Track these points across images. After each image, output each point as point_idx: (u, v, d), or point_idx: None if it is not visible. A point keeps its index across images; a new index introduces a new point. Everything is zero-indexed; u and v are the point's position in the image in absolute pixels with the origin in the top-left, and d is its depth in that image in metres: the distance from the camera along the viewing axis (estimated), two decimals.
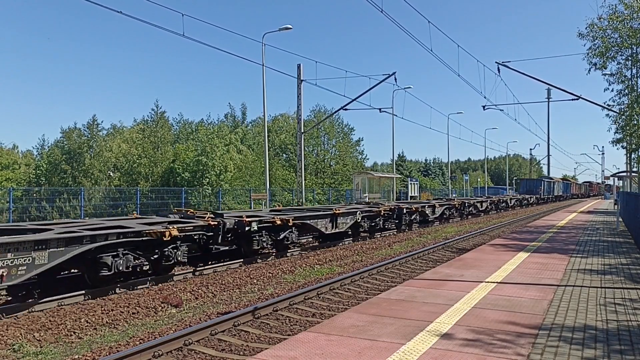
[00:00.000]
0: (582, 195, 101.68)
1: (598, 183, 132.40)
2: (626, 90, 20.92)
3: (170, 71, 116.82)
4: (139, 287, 10.16)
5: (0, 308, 8.06)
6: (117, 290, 9.74)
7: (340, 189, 47.89)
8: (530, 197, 57.13)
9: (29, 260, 7.85)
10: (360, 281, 10.93)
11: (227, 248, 12.86)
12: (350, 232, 18.83)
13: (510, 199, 47.68)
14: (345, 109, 32.25)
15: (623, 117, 21.51)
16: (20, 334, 7.07)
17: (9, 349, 6.62)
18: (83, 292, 9.29)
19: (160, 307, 8.78)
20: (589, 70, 20.59)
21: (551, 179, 70.91)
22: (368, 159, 78.50)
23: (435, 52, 36.24)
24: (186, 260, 11.21)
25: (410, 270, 12.56)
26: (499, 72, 24.12)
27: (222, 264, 12.78)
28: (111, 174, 45.18)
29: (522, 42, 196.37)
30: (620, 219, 20.75)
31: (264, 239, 13.44)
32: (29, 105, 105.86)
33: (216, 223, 11.94)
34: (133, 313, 8.35)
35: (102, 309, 8.36)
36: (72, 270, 10.27)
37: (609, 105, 22.11)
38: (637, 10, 18.86)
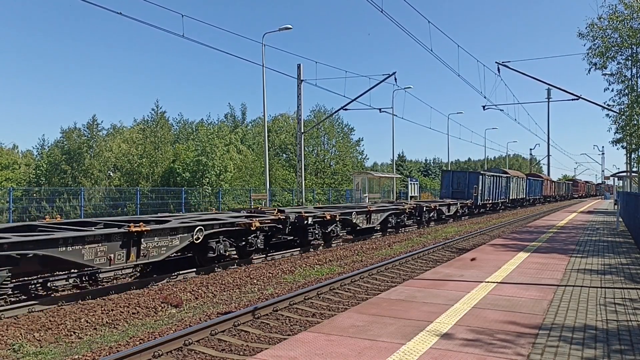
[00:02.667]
0: (562, 197, 78.08)
1: (587, 182, 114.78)
2: (626, 90, 20.91)
3: (170, 71, 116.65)
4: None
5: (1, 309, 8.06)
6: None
7: (340, 189, 47.90)
8: (452, 204, 29.74)
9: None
10: (360, 281, 10.93)
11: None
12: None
13: (380, 211, 20.37)
14: (345, 109, 32.24)
15: (623, 117, 21.51)
16: (20, 334, 7.07)
17: (9, 349, 6.62)
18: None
19: (160, 307, 8.78)
20: (589, 70, 20.61)
21: (504, 172, 45.07)
22: (368, 159, 78.52)
23: (435, 52, 36.29)
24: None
25: (410, 270, 12.56)
26: (499, 72, 24.10)
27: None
28: (111, 174, 45.18)
29: (522, 42, 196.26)
30: (620, 219, 20.75)
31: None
32: (29, 105, 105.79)
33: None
34: (133, 313, 8.35)
35: (102, 309, 8.36)
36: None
37: (609, 105, 22.11)
38: (637, 10, 18.86)
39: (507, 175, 44.29)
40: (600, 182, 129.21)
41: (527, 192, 51.82)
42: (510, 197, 44.80)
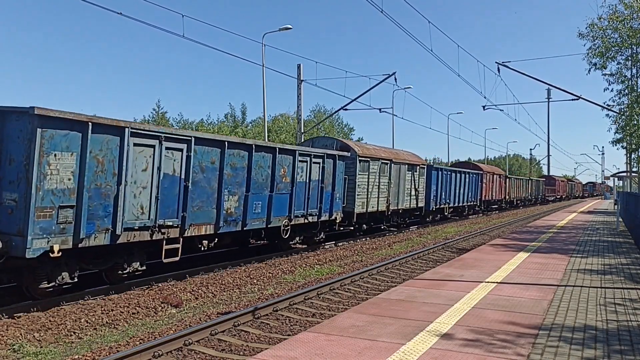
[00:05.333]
0: (527, 202, 52.35)
1: (570, 180, 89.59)
2: (626, 90, 20.90)
3: (170, 71, 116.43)
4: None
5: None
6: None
7: None
8: None
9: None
10: (360, 281, 10.93)
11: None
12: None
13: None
14: (345, 109, 32.18)
15: (623, 117, 21.51)
16: (20, 334, 7.07)
17: (9, 349, 6.62)
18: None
19: (160, 307, 8.78)
20: (589, 70, 20.59)
21: (345, 146, 18.01)
22: None
23: (435, 52, 36.36)
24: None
25: (410, 270, 12.56)
26: (499, 72, 24.03)
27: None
28: None
29: (522, 42, 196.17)
30: (620, 219, 20.75)
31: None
32: (29, 105, 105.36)
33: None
34: (133, 313, 8.35)
35: (102, 309, 8.35)
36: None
37: (609, 105, 22.09)
38: (637, 10, 18.85)
39: (337, 152, 16.63)
40: (591, 181, 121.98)
41: (434, 195, 26.52)
42: (363, 210, 18.97)
